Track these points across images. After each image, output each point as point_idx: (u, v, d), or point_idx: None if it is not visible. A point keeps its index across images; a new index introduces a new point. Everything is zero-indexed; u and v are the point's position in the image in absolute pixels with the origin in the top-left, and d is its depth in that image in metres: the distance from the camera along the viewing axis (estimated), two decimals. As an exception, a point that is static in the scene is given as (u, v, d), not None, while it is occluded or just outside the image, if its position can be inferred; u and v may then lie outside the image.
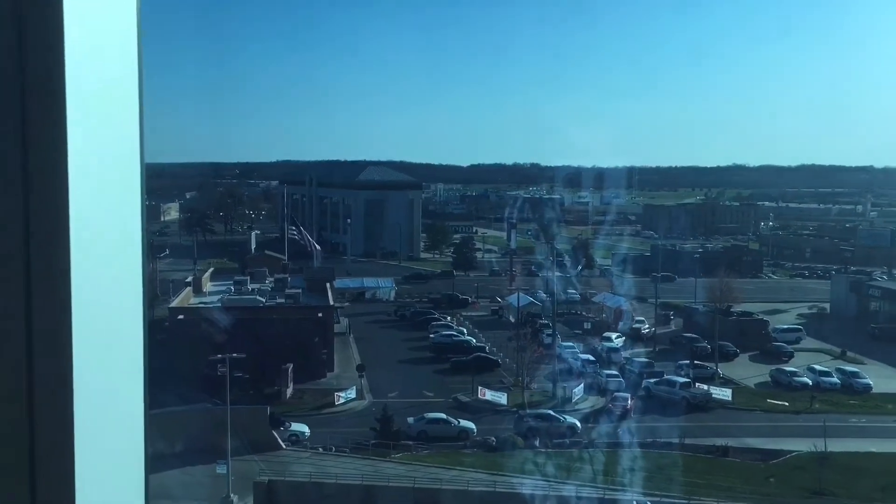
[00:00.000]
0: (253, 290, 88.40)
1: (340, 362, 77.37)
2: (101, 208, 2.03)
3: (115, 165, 2.11)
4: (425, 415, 59.53)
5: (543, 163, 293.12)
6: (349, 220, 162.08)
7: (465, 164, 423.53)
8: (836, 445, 55.21)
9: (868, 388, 72.44)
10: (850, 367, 78.11)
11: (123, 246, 2.11)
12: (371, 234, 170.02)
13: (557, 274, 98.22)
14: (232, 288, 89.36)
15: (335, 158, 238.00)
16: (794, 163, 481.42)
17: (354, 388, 66.95)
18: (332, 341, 78.06)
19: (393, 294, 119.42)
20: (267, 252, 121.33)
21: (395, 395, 67.41)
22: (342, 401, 64.73)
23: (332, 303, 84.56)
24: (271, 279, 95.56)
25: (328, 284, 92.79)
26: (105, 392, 2.05)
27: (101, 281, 2.02)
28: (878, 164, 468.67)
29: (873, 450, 55.94)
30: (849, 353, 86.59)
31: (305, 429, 57.66)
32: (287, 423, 57.99)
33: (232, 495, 43.30)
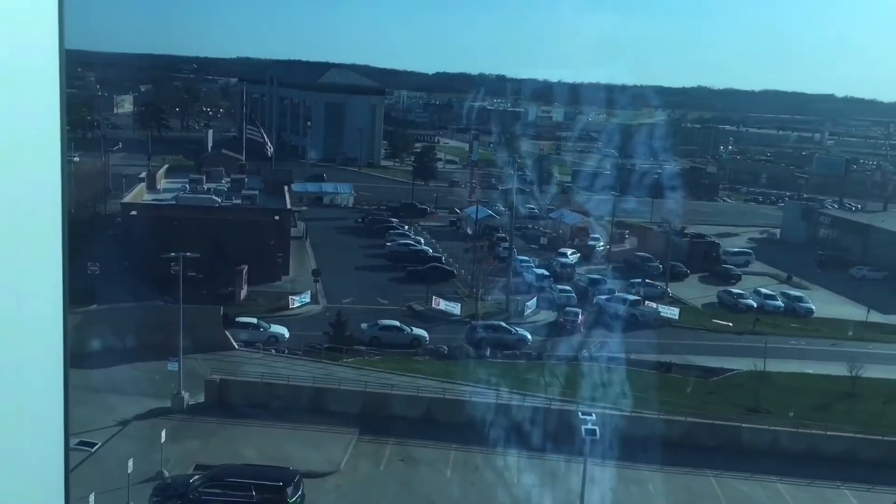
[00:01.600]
0: (209, 189, 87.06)
1: (296, 266, 77.22)
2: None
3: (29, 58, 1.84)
4: (379, 321, 60.08)
5: (510, 74, 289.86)
6: (309, 123, 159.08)
7: (430, 71, 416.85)
8: (775, 366, 57.32)
9: (810, 312, 74.81)
10: (794, 292, 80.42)
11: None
12: (331, 139, 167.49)
13: (517, 188, 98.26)
14: (187, 186, 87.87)
15: (297, 58, 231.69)
16: (758, 87, 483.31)
17: (309, 292, 67.02)
18: (289, 245, 77.69)
19: (351, 200, 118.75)
20: (224, 151, 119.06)
21: (350, 301, 67.78)
22: (297, 304, 64.87)
23: (289, 206, 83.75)
24: (228, 179, 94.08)
25: (286, 187, 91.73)
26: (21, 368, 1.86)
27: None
28: (840, 94, 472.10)
29: (809, 371, 58.19)
30: (795, 279, 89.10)
31: (285, 331, 57.91)
32: (267, 324, 58.24)
33: (183, 392, 43.52)
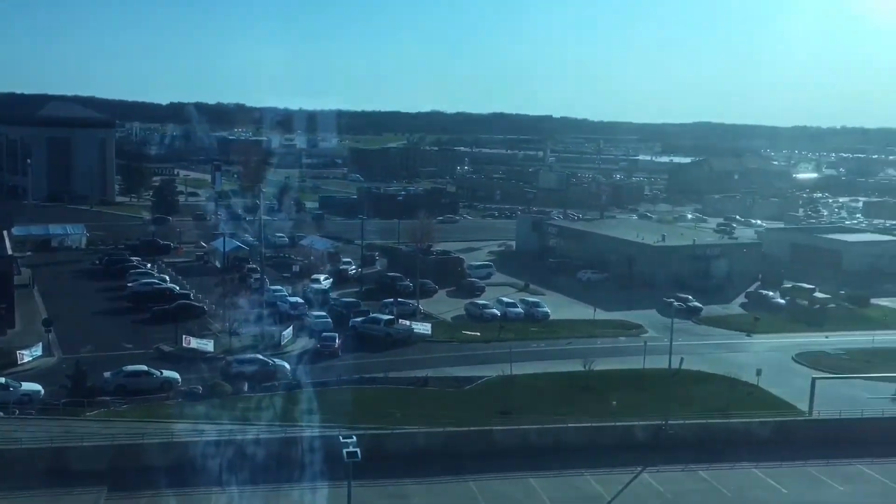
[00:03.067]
0: None
1: (24, 318, 70.58)
2: None
3: None
4: (124, 368, 56.45)
5: (249, 103, 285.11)
6: (29, 161, 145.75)
7: (164, 101, 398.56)
8: (521, 369, 61.69)
9: (546, 316, 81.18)
10: (531, 298, 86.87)
11: None
12: (57, 176, 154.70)
13: (265, 217, 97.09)
14: None
15: (10, 91, 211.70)
16: (485, 111, 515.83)
17: (41, 344, 61.51)
18: (13, 295, 70.68)
19: (84, 241, 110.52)
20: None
21: (90, 350, 63.12)
22: (27, 359, 59.29)
23: (9, 252, 76.21)
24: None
25: (4, 232, 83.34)
26: None
27: None
28: (556, 115, 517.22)
29: (550, 370, 63.08)
30: (531, 286, 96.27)
31: (39, 388, 52.64)
32: (17, 383, 52.69)
33: None
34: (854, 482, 45.66)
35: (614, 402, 53.90)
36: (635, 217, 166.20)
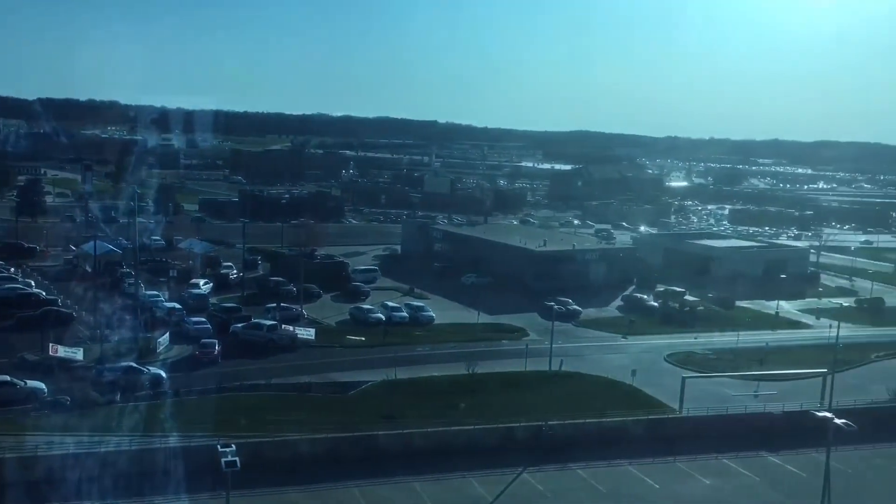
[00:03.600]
0: None
1: None
2: None
3: None
4: (-16, 379, 52.97)
5: (124, 101, 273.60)
6: None
7: (30, 96, 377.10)
8: (405, 373, 61.88)
9: (431, 319, 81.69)
10: (416, 302, 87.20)
11: None
12: None
13: (140, 220, 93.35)
14: None
15: None
16: (371, 114, 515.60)
17: None
18: None
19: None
20: None
21: (-55, 360, 58.89)
22: None
23: None
24: None
25: None
26: None
27: None
28: (442, 120, 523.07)
29: (434, 374, 63.55)
30: (416, 290, 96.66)
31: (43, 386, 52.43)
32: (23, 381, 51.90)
33: None
34: (720, 476, 48.14)
35: (462, 405, 54.48)
36: (518, 222, 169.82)
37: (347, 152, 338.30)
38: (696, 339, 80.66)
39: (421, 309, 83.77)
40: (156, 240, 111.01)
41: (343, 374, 62.44)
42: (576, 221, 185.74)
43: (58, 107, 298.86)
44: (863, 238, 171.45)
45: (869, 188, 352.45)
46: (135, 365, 58.21)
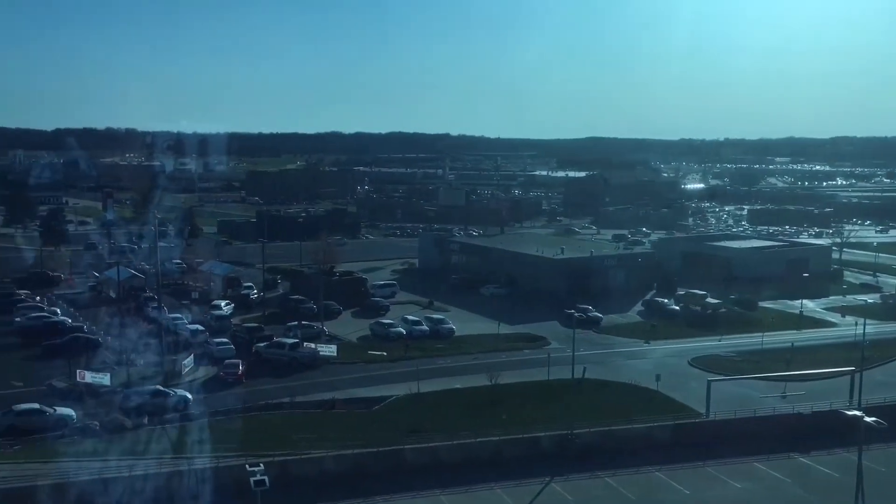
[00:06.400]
0: None
1: None
2: None
3: None
4: (14, 407, 53.59)
5: (141, 128, 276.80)
6: None
7: (49, 127, 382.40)
8: (428, 386, 61.90)
9: (451, 332, 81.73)
10: (436, 315, 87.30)
11: None
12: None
13: (161, 244, 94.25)
14: None
15: None
16: (383, 130, 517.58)
17: (-80, 387, 57.81)
18: None
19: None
20: None
21: (-25, 390, 59.67)
22: None
23: None
24: None
25: None
26: None
27: None
28: (454, 132, 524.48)
29: (457, 386, 63.56)
30: (435, 303, 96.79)
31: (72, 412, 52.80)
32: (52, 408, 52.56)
33: None
34: (750, 479, 47.74)
35: (504, 416, 54.62)
36: (534, 231, 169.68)
37: (361, 168, 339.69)
38: (720, 341, 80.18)
39: (441, 321, 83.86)
40: (177, 263, 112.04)
41: (366, 390, 62.63)
42: (592, 228, 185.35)
43: (77, 136, 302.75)
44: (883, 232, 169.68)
45: (889, 182, 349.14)
46: (161, 388, 58.71)
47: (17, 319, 79.04)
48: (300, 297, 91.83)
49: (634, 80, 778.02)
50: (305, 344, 72.02)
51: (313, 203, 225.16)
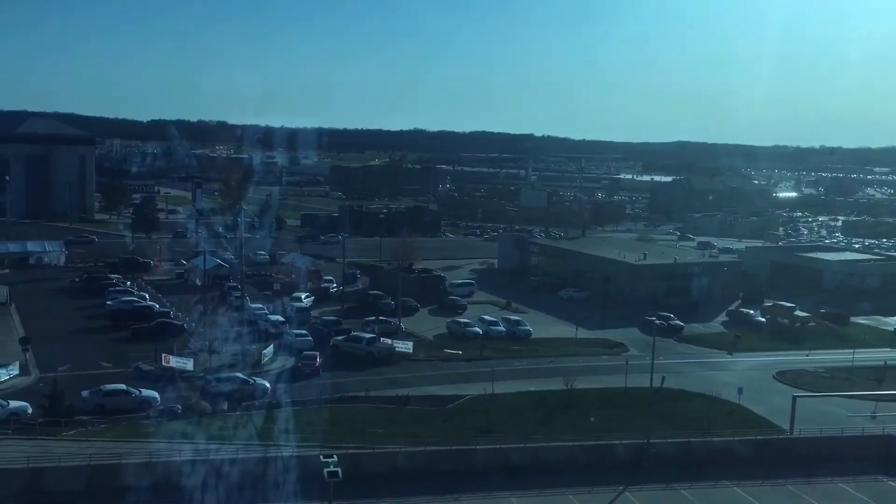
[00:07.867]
0: None
1: (0, 335, 69.59)
2: None
3: None
4: (102, 387, 55.72)
5: (231, 121, 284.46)
6: (7, 178, 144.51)
7: (145, 118, 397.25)
8: (502, 387, 61.51)
9: (528, 334, 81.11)
10: (514, 317, 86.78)
11: None
12: (36, 193, 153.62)
13: (246, 235, 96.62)
14: None
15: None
16: (467, 129, 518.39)
17: (17, 363, 60.69)
18: (-11, 313, 69.81)
19: (63, 258, 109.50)
20: None
21: (67, 369, 62.34)
22: (2, 378, 58.43)
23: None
24: None
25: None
26: None
27: None
28: (538, 133, 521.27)
29: (532, 388, 63.00)
30: (513, 304, 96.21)
31: (26, 405, 51.99)
32: (5, 402, 52.05)
33: None
34: (833, 499, 45.74)
35: (592, 419, 53.88)
36: (617, 235, 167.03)
37: (444, 167, 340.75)
38: (807, 356, 77.23)
39: (518, 323, 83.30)
40: (260, 254, 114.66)
41: (440, 388, 62.67)
42: (677, 234, 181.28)
43: (171, 127, 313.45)
44: None
45: None
46: (242, 376, 60.11)
47: (109, 303, 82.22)
48: (379, 292, 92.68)
49: (729, 83, 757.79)
50: (382, 339, 72.58)
51: (395, 199, 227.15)
